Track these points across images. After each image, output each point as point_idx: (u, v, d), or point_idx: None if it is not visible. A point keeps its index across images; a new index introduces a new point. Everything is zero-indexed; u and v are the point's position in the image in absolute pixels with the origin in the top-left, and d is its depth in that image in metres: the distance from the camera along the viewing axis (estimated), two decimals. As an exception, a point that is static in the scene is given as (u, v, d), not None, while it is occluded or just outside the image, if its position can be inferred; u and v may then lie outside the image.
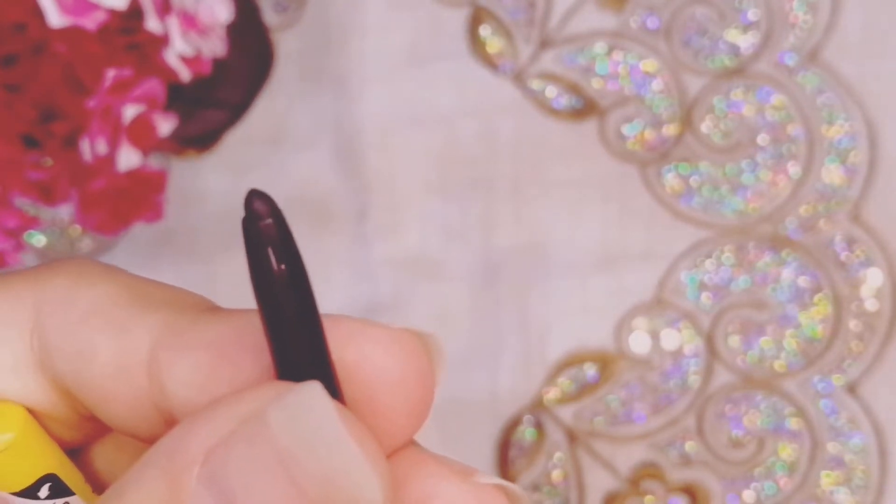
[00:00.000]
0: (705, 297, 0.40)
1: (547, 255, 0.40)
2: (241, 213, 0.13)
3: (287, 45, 0.43)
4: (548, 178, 0.41)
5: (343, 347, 0.14)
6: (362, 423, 0.13)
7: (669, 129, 0.40)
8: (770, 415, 0.39)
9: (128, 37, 0.32)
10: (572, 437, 0.40)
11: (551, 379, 0.40)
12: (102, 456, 0.17)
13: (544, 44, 0.41)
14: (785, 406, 0.39)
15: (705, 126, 0.40)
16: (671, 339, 0.40)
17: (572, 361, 0.40)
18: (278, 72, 0.44)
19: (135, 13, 0.32)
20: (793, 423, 0.39)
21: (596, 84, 0.41)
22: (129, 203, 0.35)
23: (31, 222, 0.34)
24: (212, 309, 0.15)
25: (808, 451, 0.39)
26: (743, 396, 0.39)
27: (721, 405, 0.39)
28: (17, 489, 0.16)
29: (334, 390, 0.13)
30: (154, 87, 0.33)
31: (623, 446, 0.40)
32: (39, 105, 0.34)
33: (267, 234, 0.13)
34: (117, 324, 0.15)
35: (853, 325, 0.39)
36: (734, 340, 0.39)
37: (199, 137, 0.44)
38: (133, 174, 0.34)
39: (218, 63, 0.37)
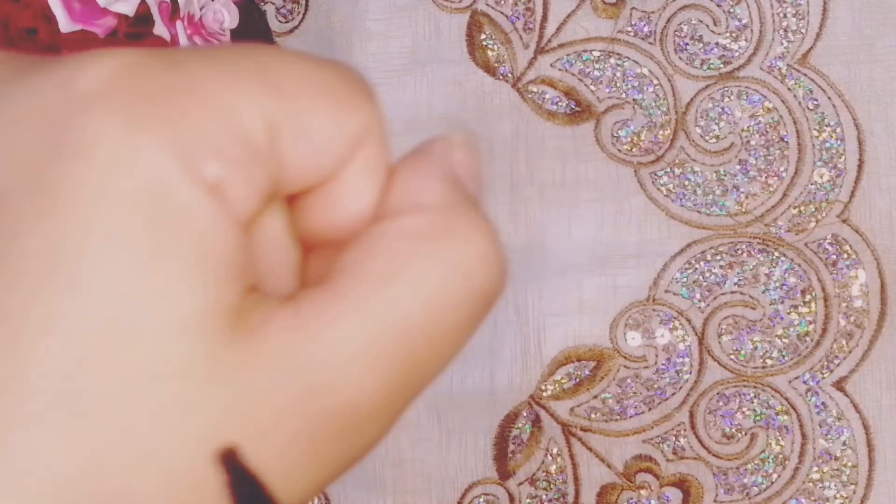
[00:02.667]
0: (698, 296, 0.40)
1: (544, 255, 0.41)
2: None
3: (291, 51, 0.44)
4: (545, 179, 0.41)
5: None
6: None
7: (664, 133, 0.40)
8: (761, 410, 0.39)
9: (136, 42, 0.33)
10: (568, 432, 0.41)
11: (548, 375, 0.41)
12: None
13: (542, 49, 0.41)
14: (776, 402, 0.39)
15: (699, 129, 0.40)
16: (665, 336, 0.40)
17: (568, 358, 0.41)
18: (282, 76, 0.44)
19: (143, 19, 0.32)
20: (783, 419, 0.39)
21: (592, 88, 0.41)
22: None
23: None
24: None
25: (799, 445, 0.39)
26: (735, 393, 0.40)
27: (713, 401, 0.40)
28: None
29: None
30: (161, 90, 0.33)
31: (618, 441, 0.40)
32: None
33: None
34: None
35: (842, 322, 0.39)
36: (726, 338, 0.40)
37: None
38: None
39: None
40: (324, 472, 0.18)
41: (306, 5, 0.44)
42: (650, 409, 0.40)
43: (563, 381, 0.41)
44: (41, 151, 0.17)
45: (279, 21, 0.44)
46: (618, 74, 0.41)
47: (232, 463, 0.16)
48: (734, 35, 0.40)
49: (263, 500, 0.16)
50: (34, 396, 0.16)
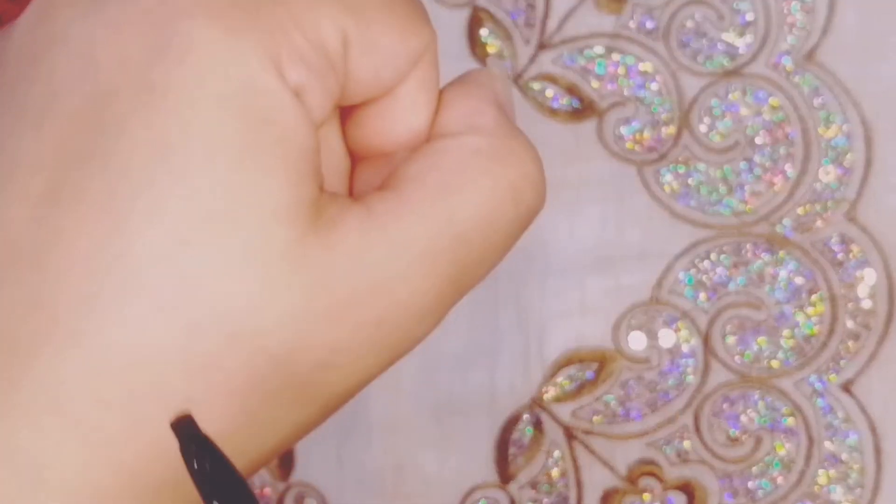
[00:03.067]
0: (702, 297, 0.40)
1: (545, 255, 0.40)
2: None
3: (288, 47, 0.43)
4: (546, 178, 0.41)
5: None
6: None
7: (667, 130, 0.40)
8: (767, 413, 0.39)
9: None
10: (570, 435, 0.40)
11: (550, 378, 0.40)
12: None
13: (543, 45, 0.41)
14: (781, 404, 0.39)
15: (703, 127, 0.40)
16: (669, 338, 0.40)
17: (570, 360, 0.40)
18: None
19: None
20: (789, 422, 0.39)
21: (594, 85, 0.41)
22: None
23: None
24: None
25: (805, 449, 0.39)
26: (740, 395, 0.39)
27: (718, 403, 0.40)
28: None
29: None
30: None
31: (621, 444, 0.40)
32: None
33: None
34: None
35: (849, 324, 0.39)
36: (731, 339, 0.39)
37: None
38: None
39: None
40: (377, 367, 0.21)
41: None
42: (654, 412, 0.40)
43: (564, 383, 0.40)
44: (145, 54, 0.18)
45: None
46: (620, 71, 0.40)
47: (185, 429, 0.17)
48: (740, 31, 0.40)
49: (219, 464, 0.17)
50: (141, 274, 0.17)
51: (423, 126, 0.22)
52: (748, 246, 0.39)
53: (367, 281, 0.19)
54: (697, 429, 0.40)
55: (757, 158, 0.40)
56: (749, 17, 0.40)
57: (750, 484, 0.39)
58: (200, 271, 0.18)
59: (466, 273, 0.22)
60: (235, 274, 0.18)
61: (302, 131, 0.19)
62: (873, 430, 0.39)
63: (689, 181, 0.40)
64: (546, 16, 0.41)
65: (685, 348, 0.40)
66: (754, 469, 0.39)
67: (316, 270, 0.18)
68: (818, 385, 0.39)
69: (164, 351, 0.18)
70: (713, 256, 0.40)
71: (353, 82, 0.20)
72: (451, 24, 0.42)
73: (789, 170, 0.39)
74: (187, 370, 0.18)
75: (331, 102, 0.20)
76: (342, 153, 0.22)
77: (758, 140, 0.40)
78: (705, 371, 0.40)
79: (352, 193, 0.22)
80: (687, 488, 0.40)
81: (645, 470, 0.40)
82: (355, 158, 0.22)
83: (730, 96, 0.40)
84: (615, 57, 0.41)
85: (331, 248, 0.19)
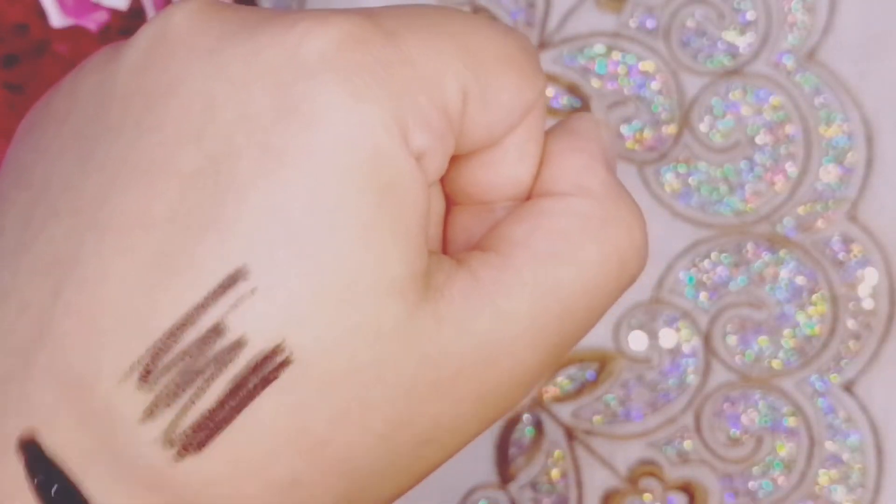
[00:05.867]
0: (703, 297, 0.40)
1: (546, 255, 0.40)
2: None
3: (288, 46, 0.43)
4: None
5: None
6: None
7: (668, 129, 0.40)
8: (768, 413, 0.39)
9: (129, 37, 0.32)
10: (571, 435, 0.40)
11: (550, 378, 0.40)
12: None
13: (544, 44, 0.41)
14: (783, 404, 0.39)
15: (704, 126, 0.40)
16: (669, 337, 0.40)
17: (571, 360, 0.40)
18: (279, 72, 0.43)
19: (136, 13, 0.32)
20: (790, 422, 0.39)
21: (595, 84, 0.41)
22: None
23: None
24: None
25: (806, 449, 0.39)
26: (741, 395, 0.39)
27: (719, 403, 0.39)
28: None
29: None
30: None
31: (621, 444, 0.40)
32: (41, 105, 0.34)
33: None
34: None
35: (850, 324, 0.39)
36: (732, 339, 0.39)
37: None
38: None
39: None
40: (474, 436, 0.20)
41: (302, 4, 0.43)
42: (654, 412, 0.40)
43: (565, 383, 0.40)
44: (269, 114, 0.17)
45: (276, 16, 0.43)
46: (621, 70, 0.40)
47: (31, 450, 0.17)
48: (741, 30, 0.40)
49: (64, 486, 0.17)
50: (254, 347, 0.17)
51: (528, 177, 0.21)
52: (749, 245, 0.39)
53: (472, 353, 0.19)
54: (698, 429, 0.40)
55: (758, 158, 0.39)
56: (750, 16, 0.40)
57: (751, 484, 0.39)
58: (311, 352, 0.17)
59: (567, 340, 0.21)
60: (345, 351, 0.17)
61: (420, 198, 0.18)
62: (875, 430, 0.39)
63: (690, 180, 0.40)
64: (546, 15, 0.41)
65: (686, 348, 0.40)
66: (755, 469, 0.39)
67: (424, 344, 0.18)
68: (819, 385, 0.39)
69: (273, 429, 0.17)
70: (714, 256, 0.40)
71: (467, 137, 0.20)
72: (451, 23, 0.42)
73: (790, 169, 0.39)
74: (295, 449, 0.17)
75: (446, 162, 0.19)
76: (439, 198, 0.21)
77: (758, 139, 0.39)
78: (706, 371, 0.39)
79: (446, 238, 0.22)
80: (688, 489, 0.40)
81: (645, 470, 0.40)
82: (450, 202, 0.22)
83: (730, 95, 0.40)
84: (616, 56, 0.40)
85: (439, 320, 0.18)
